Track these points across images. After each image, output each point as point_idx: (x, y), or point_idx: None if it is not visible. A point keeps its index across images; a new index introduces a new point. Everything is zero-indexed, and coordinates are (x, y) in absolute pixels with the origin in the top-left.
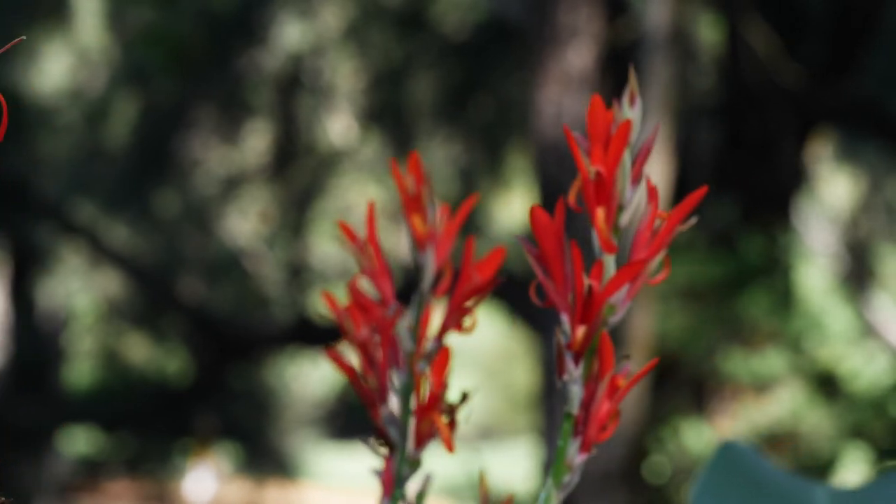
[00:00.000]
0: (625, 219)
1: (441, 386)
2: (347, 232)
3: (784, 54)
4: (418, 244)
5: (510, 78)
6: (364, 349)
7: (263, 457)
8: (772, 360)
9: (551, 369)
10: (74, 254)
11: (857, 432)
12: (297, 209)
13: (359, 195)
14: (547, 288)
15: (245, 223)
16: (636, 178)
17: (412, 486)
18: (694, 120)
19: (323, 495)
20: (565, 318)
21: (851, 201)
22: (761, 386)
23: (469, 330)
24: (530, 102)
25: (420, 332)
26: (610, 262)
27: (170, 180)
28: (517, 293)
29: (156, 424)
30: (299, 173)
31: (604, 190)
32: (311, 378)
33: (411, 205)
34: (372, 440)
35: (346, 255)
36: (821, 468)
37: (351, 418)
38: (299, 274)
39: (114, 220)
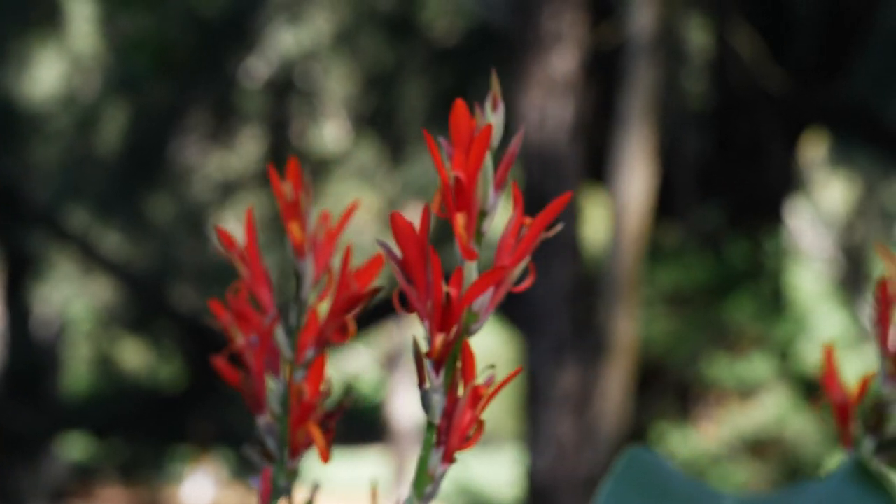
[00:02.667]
0: (487, 225)
1: (316, 395)
2: (226, 239)
3: (771, 58)
4: (297, 251)
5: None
6: (246, 357)
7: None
8: (757, 366)
9: (533, 374)
10: (67, 260)
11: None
12: None
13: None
14: (409, 295)
15: (238, 229)
16: (500, 184)
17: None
18: (682, 124)
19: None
20: (427, 327)
21: (847, 205)
22: (746, 391)
23: (348, 339)
24: (514, 107)
25: (301, 340)
26: (471, 269)
27: (163, 186)
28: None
29: (150, 430)
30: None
31: (464, 196)
32: None
33: (289, 212)
34: (251, 449)
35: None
36: (806, 474)
37: (350, 423)
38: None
39: (107, 226)
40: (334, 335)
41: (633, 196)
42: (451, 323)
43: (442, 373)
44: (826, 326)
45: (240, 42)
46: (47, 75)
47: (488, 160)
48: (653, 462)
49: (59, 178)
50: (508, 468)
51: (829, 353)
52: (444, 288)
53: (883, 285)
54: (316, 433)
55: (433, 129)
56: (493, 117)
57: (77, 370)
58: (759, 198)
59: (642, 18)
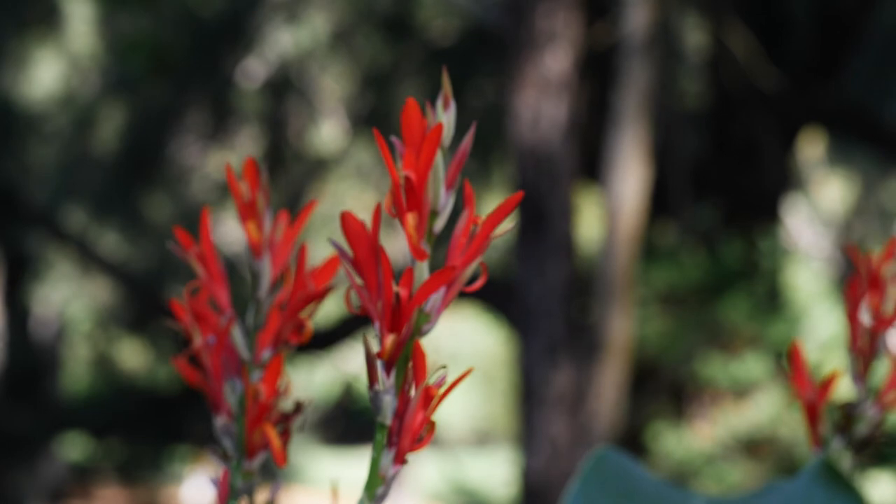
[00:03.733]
0: (438, 224)
1: (273, 395)
2: (183, 239)
3: (767, 57)
4: (254, 251)
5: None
6: (204, 357)
7: None
8: (751, 365)
9: (528, 373)
10: (65, 261)
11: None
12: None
13: (352, 199)
14: (361, 296)
15: (237, 229)
16: (451, 184)
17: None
18: (677, 123)
19: (319, 500)
20: (378, 327)
21: (845, 204)
22: (741, 391)
23: (305, 338)
24: (508, 107)
25: (259, 340)
26: (422, 269)
27: (160, 186)
28: (499, 296)
29: (148, 430)
30: (290, 178)
31: (414, 195)
32: (306, 384)
33: (246, 211)
34: (212, 450)
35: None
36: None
37: (350, 424)
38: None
39: (104, 226)
40: (291, 335)
41: (628, 195)
42: (402, 323)
43: (393, 373)
44: (824, 325)
45: (237, 42)
46: (45, 76)
47: (439, 160)
48: (620, 463)
49: (57, 178)
50: (503, 468)
51: (796, 353)
52: (395, 288)
53: (853, 286)
54: (271, 434)
55: None
56: (444, 117)
57: (76, 371)
58: (755, 197)
59: (636, 18)
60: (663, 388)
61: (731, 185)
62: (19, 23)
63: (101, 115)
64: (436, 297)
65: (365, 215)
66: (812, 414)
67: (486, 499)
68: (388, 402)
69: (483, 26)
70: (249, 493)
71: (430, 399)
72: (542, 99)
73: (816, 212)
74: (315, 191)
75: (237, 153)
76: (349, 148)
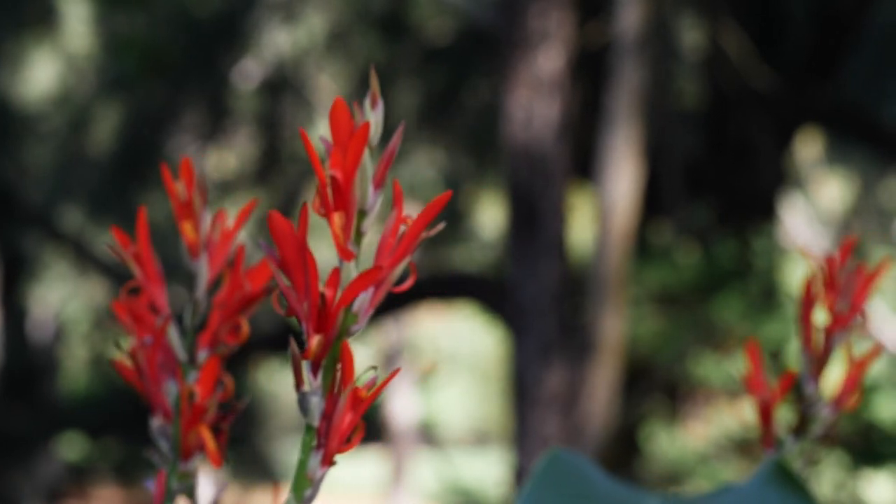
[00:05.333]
0: (367, 224)
1: (208, 396)
2: (121, 239)
3: (762, 57)
4: (191, 251)
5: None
6: (140, 358)
7: (251, 463)
8: (745, 365)
9: (521, 373)
10: (62, 261)
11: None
12: (284, 214)
13: None
14: (289, 297)
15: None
16: (379, 183)
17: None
18: (671, 123)
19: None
20: (304, 328)
21: (844, 203)
22: (734, 390)
23: (241, 340)
24: (501, 107)
25: (197, 341)
26: (349, 270)
27: (157, 186)
28: (493, 296)
29: (146, 431)
30: (286, 178)
31: (341, 195)
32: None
33: (183, 211)
34: (149, 451)
35: (338, 259)
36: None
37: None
38: None
39: (101, 226)
40: (228, 336)
41: (621, 195)
42: (329, 324)
43: (320, 374)
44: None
45: (234, 42)
46: (41, 75)
47: (367, 159)
48: (573, 464)
49: (53, 178)
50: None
51: (753, 352)
52: (321, 289)
53: (807, 286)
54: (206, 436)
55: (426, 130)
56: (372, 115)
57: (73, 371)
58: (750, 197)
59: (629, 17)
60: (657, 387)
61: (726, 185)
62: (16, 23)
63: (98, 114)
64: (364, 298)
65: None
66: (765, 414)
67: (482, 499)
68: (316, 404)
69: (478, 26)
70: (190, 494)
71: (358, 400)
72: (535, 98)
73: (815, 211)
74: (311, 191)
75: (235, 153)
76: None
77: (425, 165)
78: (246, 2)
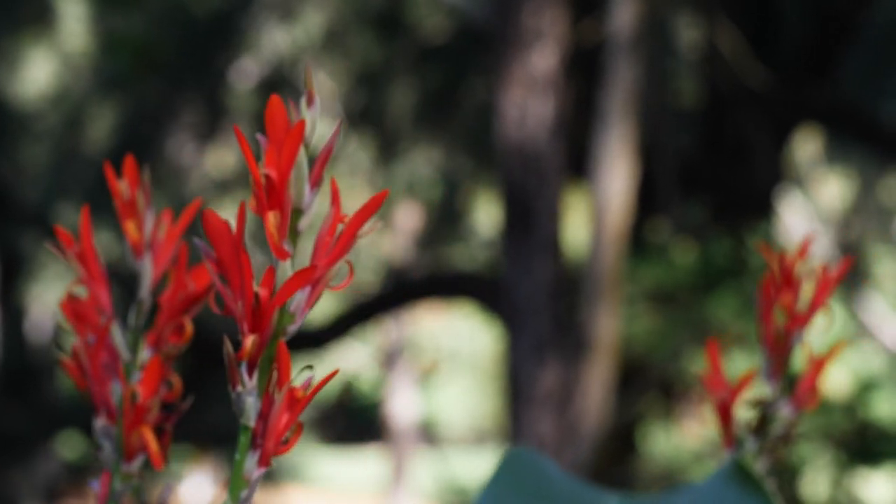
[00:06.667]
0: (303, 223)
1: (151, 397)
2: (64, 238)
3: (758, 56)
4: (135, 251)
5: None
6: (83, 358)
7: None
8: (739, 363)
9: (515, 371)
10: (59, 260)
11: (825, 435)
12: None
13: (347, 198)
14: (225, 296)
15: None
16: (316, 182)
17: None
18: (666, 121)
19: (316, 499)
20: (240, 328)
21: (844, 202)
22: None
23: (185, 340)
24: (495, 105)
25: (143, 340)
26: (285, 269)
27: (154, 185)
28: (489, 295)
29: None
30: None
31: (275, 194)
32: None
33: (126, 211)
34: (94, 452)
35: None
36: (789, 471)
37: (349, 422)
38: None
39: (97, 225)
40: (171, 336)
41: (615, 193)
42: (263, 324)
43: (255, 375)
44: (820, 323)
45: (231, 41)
46: (38, 74)
47: (303, 157)
48: (534, 462)
49: (50, 177)
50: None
51: (713, 351)
52: (255, 288)
53: (766, 284)
54: (148, 437)
55: (424, 128)
56: (308, 114)
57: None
58: (745, 195)
59: (623, 15)
60: (652, 386)
61: (722, 183)
62: (13, 21)
63: (94, 113)
64: (300, 297)
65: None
66: (724, 414)
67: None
68: (251, 404)
69: (473, 24)
70: (137, 494)
71: (294, 400)
72: (529, 97)
73: (815, 209)
74: None
75: (234, 151)
76: (343, 146)
77: (423, 164)
78: (243, 0)
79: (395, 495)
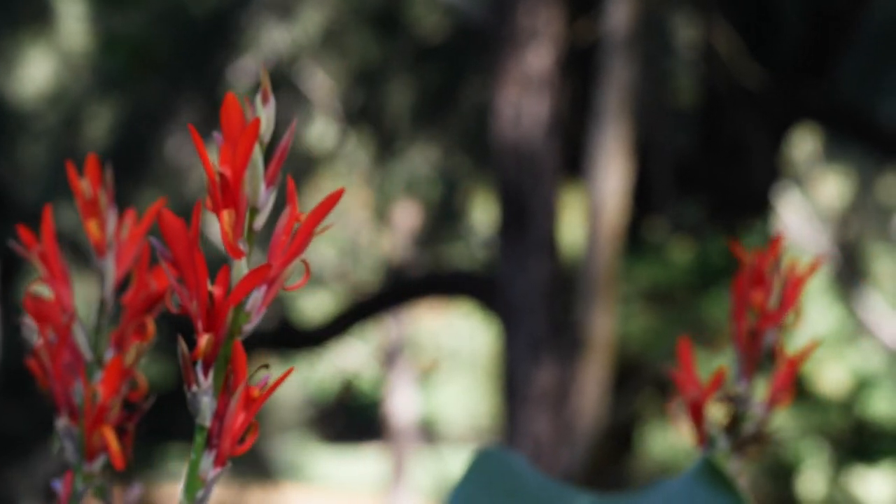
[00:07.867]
0: (259, 222)
1: (112, 396)
2: (27, 237)
3: (755, 55)
4: (97, 250)
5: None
6: (45, 357)
7: (247, 461)
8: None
9: (511, 370)
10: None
11: (821, 433)
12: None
13: (347, 197)
14: (180, 295)
15: None
16: (271, 180)
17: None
18: (663, 120)
19: (315, 497)
20: (196, 327)
21: (842, 200)
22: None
23: (148, 338)
24: (490, 104)
25: (105, 340)
26: (240, 268)
27: (153, 184)
28: (486, 293)
29: (142, 428)
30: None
31: (230, 192)
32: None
33: (88, 210)
34: (54, 451)
35: (339, 256)
36: (785, 469)
37: (349, 421)
38: None
39: None
40: (134, 335)
41: (611, 192)
42: (218, 323)
43: (211, 374)
44: (819, 321)
45: (230, 40)
46: (36, 73)
47: (258, 155)
48: (505, 461)
49: (48, 176)
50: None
51: (684, 348)
52: (209, 287)
53: (739, 281)
54: (109, 437)
55: (422, 127)
56: (263, 112)
57: None
58: (742, 194)
59: (618, 14)
60: (647, 384)
61: (719, 182)
62: (11, 20)
63: (93, 113)
64: (256, 296)
65: (359, 212)
66: (696, 412)
67: None
68: (207, 404)
69: (469, 24)
70: (102, 494)
71: (250, 400)
72: (525, 96)
73: (813, 208)
74: (308, 188)
75: None
76: (342, 145)
77: (421, 163)
78: (241, 1)
79: (395, 494)
